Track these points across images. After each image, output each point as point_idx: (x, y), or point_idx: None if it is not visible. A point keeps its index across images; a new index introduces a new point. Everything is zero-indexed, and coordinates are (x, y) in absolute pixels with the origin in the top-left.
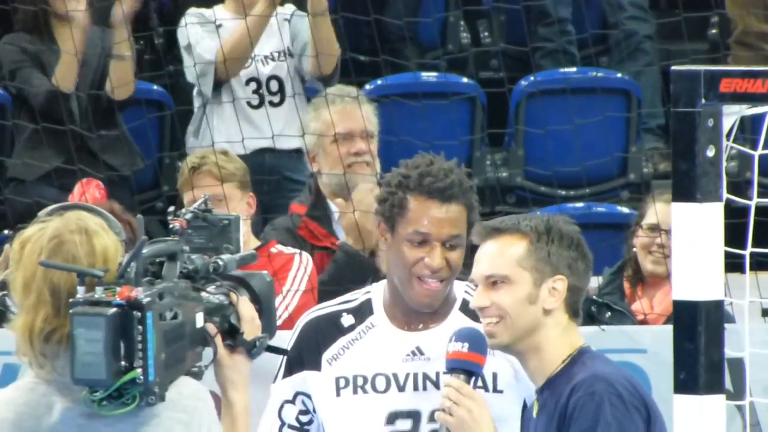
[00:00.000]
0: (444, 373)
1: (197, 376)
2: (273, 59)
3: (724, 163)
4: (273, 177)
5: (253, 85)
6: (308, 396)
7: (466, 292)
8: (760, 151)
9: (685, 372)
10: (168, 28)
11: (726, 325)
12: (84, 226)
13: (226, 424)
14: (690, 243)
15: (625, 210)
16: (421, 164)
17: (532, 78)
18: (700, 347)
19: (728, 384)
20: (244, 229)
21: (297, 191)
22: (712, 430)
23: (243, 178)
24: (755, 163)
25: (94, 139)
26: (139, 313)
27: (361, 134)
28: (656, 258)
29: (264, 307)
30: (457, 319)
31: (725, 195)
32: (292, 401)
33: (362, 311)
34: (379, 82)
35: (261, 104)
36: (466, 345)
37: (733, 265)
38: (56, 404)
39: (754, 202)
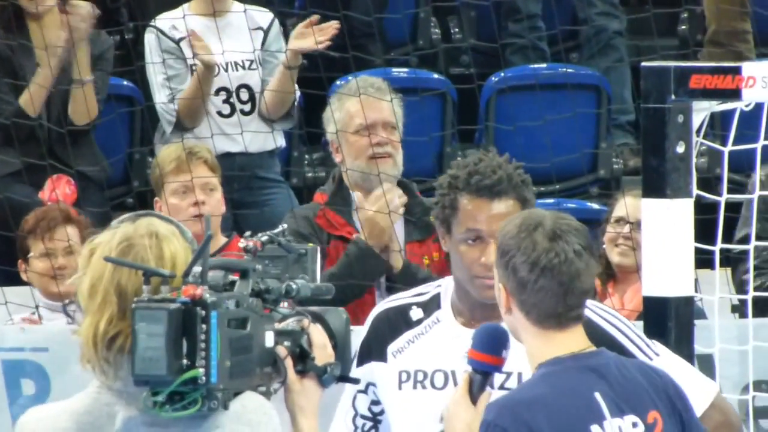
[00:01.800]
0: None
1: (266, 395)
2: (243, 67)
3: (694, 160)
4: (245, 173)
5: (223, 95)
6: (376, 386)
7: None
8: (729, 147)
9: None
10: (138, 24)
11: (696, 321)
12: (155, 230)
13: None
14: (660, 239)
15: (595, 206)
16: (469, 163)
17: (502, 74)
18: (670, 343)
19: None
20: (217, 222)
21: (268, 189)
22: None
23: (221, 174)
24: (725, 160)
25: (62, 146)
26: (203, 311)
27: (384, 125)
28: (623, 250)
29: (339, 343)
30: None
31: (695, 191)
32: (365, 391)
33: (431, 305)
34: (349, 77)
35: (232, 113)
36: (471, 343)
37: (704, 261)
38: (119, 413)
39: (723, 198)
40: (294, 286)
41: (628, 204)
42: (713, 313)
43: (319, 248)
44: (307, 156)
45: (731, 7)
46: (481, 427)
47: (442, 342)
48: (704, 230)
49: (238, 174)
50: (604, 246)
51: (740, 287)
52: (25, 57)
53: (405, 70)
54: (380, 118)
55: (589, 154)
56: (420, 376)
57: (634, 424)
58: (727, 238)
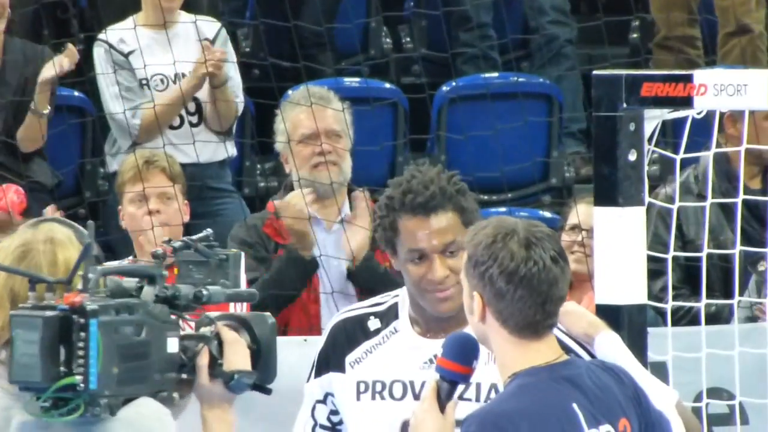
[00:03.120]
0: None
1: (166, 401)
2: (197, 87)
3: (646, 167)
4: (195, 183)
5: None
6: (335, 397)
7: None
8: (681, 155)
9: None
10: (89, 35)
11: (649, 329)
12: (51, 236)
13: None
14: (612, 247)
15: (547, 214)
16: (402, 181)
17: (453, 83)
18: None
19: None
20: (168, 236)
21: (220, 199)
22: None
23: (184, 183)
24: (677, 167)
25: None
26: (82, 319)
27: (327, 133)
28: (578, 257)
29: (263, 349)
30: None
31: (647, 199)
32: (324, 401)
33: (388, 315)
34: (300, 87)
35: (181, 125)
36: (441, 351)
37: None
38: (15, 417)
39: (676, 206)
40: (205, 292)
41: (581, 211)
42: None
43: (243, 254)
44: (259, 165)
45: (680, 13)
46: (479, 429)
47: (400, 352)
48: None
49: (189, 184)
50: None
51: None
52: None
53: (356, 79)
54: (323, 127)
55: (540, 163)
56: (378, 387)
57: None
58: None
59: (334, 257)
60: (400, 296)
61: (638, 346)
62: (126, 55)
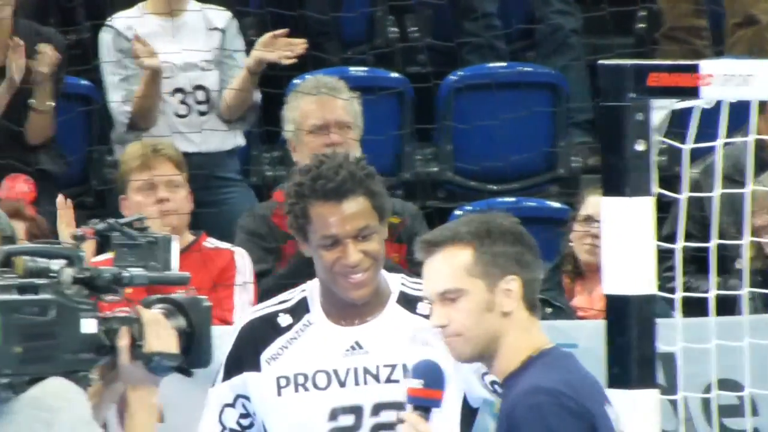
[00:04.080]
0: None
1: (81, 381)
2: (199, 68)
3: (655, 158)
4: (202, 172)
5: (179, 96)
6: (248, 398)
7: (402, 284)
8: (689, 145)
9: (618, 366)
10: (95, 23)
11: (658, 320)
12: None
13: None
14: (620, 237)
15: (555, 204)
16: (311, 167)
17: (459, 73)
18: (631, 341)
19: (661, 379)
20: (177, 223)
21: (227, 188)
22: (645, 425)
23: (187, 171)
24: (685, 157)
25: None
26: None
27: (337, 124)
28: (590, 248)
29: (197, 332)
30: (393, 312)
31: (655, 189)
32: (233, 405)
33: (299, 310)
34: (306, 76)
35: (188, 113)
36: (421, 382)
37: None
38: None
39: (684, 196)
40: (125, 274)
41: (594, 203)
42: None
43: (174, 237)
44: (266, 154)
45: (687, 4)
46: (533, 409)
47: (318, 343)
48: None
49: (196, 173)
50: (571, 244)
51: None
52: None
53: (362, 68)
54: (333, 118)
55: (547, 153)
56: (301, 379)
57: (613, 412)
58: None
59: None
60: (308, 290)
61: (647, 337)
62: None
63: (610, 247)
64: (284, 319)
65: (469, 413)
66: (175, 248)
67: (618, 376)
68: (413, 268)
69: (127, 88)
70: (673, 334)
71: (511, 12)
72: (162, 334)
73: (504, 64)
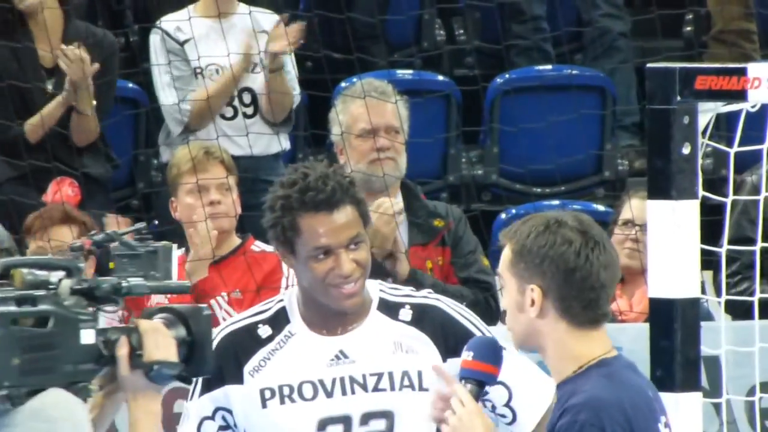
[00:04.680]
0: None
1: (81, 392)
2: (246, 70)
3: (700, 161)
4: (248, 175)
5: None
6: (229, 411)
7: (381, 290)
8: (735, 148)
9: (662, 369)
10: (143, 26)
11: (702, 323)
12: None
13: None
14: (665, 240)
15: (601, 207)
16: (297, 180)
17: (506, 75)
18: (676, 345)
19: (704, 382)
20: (228, 226)
21: None
22: (688, 428)
23: (236, 174)
24: (731, 161)
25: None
26: None
27: (387, 129)
28: (630, 252)
29: (197, 342)
30: (375, 319)
31: (701, 192)
32: (212, 417)
33: (278, 320)
34: (354, 79)
35: (235, 115)
36: (471, 354)
37: (709, 262)
38: None
39: (729, 199)
40: (124, 284)
41: (635, 206)
42: (719, 315)
43: (174, 246)
44: (311, 158)
45: (736, 7)
46: (572, 426)
47: (302, 354)
48: (710, 232)
49: (242, 176)
50: None
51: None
52: (34, 79)
53: (409, 71)
54: (383, 122)
55: (593, 156)
56: (286, 391)
57: (666, 425)
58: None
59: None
60: (285, 300)
61: (691, 340)
62: (182, 44)
63: (655, 250)
64: (264, 330)
65: None
66: (175, 257)
67: (662, 379)
68: (459, 272)
69: (180, 88)
70: (717, 337)
71: (559, 15)
72: (161, 343)
73: (551, 66)
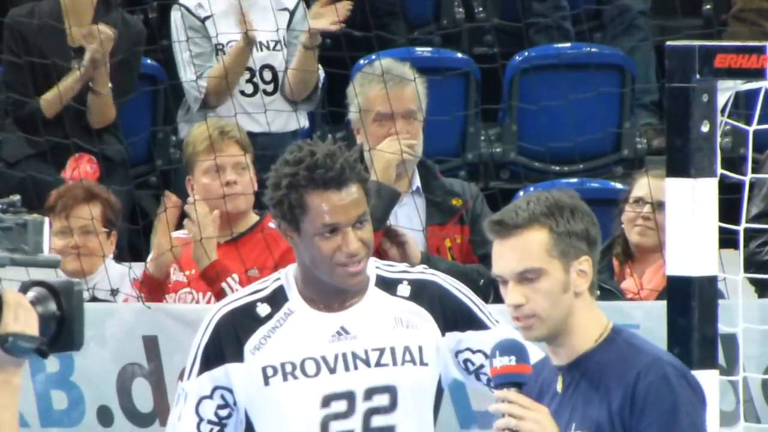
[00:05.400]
0: (492, 388)
1: None
2: (267, 47)
3: (719, 139)
4: (267, 152)
5: (246, 74)
6: (228, 390)
7: (377, 267)
8: (754, 126)
9: (679, 347)
10: (162, 2)
11: (719, 301)
12: None
13: None
14: (684, 218)
15: (619, 186)
16: (304, 158)
17: (526, 53)
18: (693, 323)
19: (721, 359)
20: (245, 206)
21: None
22: None
23: (253, 152)
24: (749, 139)
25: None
26: None
27: (404, 115)
28: (641, 230)
29: (66, 317)
30: (374, 295)
31: (719, 171)
32: (210, 396)
33: (276, 299)
34: (372, 56)
35: (255, 92)
36: (514, 358)
37: (727, 241)
38: None
39: (748, 177)
40: None
41: (646, 184)
42: (736, 293)
43: (46, 219)
44: (329, 135)
45: None
46: (666, 380)
47: (303, 331)
48: (728, 210)
49: (260, 153)
50: (622, 226)
51: (750, 263)
52: (60, 56)
53: (428, 49)
54: (400, 109)
55: (612, 134)
56: (289, 368)
57: None
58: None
59: (405, 228)
60: (282, 279)
61: (708, 318)
62: (203, 20)
63: (673, 228)
64: (263, 309)
65: (440, 394)
66: (47, 230)
67: (679, 357)
68: (477, 250)
69: (200, 64)
70: (734, 315)
71: None
72: (21, 316)
73: (570, 44)
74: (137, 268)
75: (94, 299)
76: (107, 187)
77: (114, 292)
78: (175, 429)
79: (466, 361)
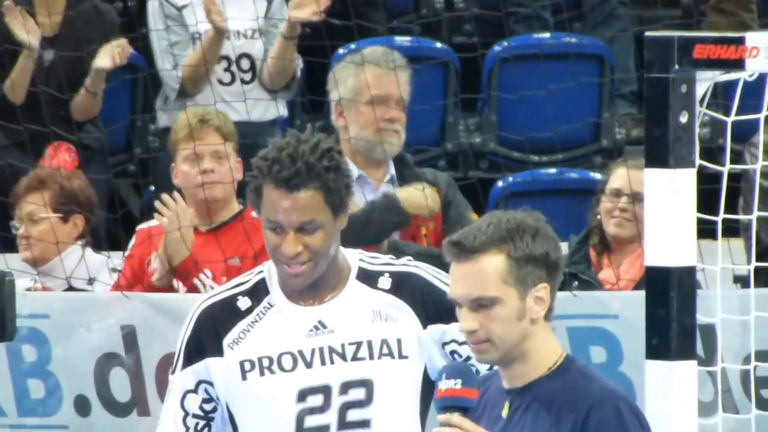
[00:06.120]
0: (438, 412)
1: None
2: (245, 36)
3: (697, 129)
4: (246, 141)
5: (224, 63)
6: (211, 384)
7: (360, 260)
8: (732, 117)
9: (657, 337)
10: None
11: (698, 292)
12: None
13: None
14: (662, 209)
15: (598, 176)
16: (274, 150)
17: (505, 43)
18: (672, 313)
19: (700, 350)
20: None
21: None
22: (683, 396)
23: (237, 141)
24: (728, 130)
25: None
26: None
27: (397, 101)
28: (619, 221)
29: None
30: (354, 288)
31: (698, 161)
32: (194, 390)
33: (258, 292)
34: (352, 46)
35: (233, 81)
36: (459, 381)
37: (706, 231)
38: None
39: (726, 168)
40: None
41: (623, 175)
42: (715, 284)
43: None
44: (309, 124)
45: None
46: (618, 414)
47: (281, 325)
48: (706, 200)
49: (240, 142)
50: (599, 216)
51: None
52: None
53: (407, 38)
54: (395, 94)
55: (591, 124)
56: (266, 362)
57: None
58: (729, 208)
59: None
60: (265, 271)
61: (687, 308)
62: (179, 9)
63: (652, 218)
64: (243, 303)
65: (429, 386)
66: None
67: (657, 347)
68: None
69: (176, 53)
70: (712, 305)
71: None
72: None
73: (550, 34)
74: (115, 257)
75: (70, 288)
76: (88, 177)
77: (91, 281)
78: (165, 422)
79: (453, 352)
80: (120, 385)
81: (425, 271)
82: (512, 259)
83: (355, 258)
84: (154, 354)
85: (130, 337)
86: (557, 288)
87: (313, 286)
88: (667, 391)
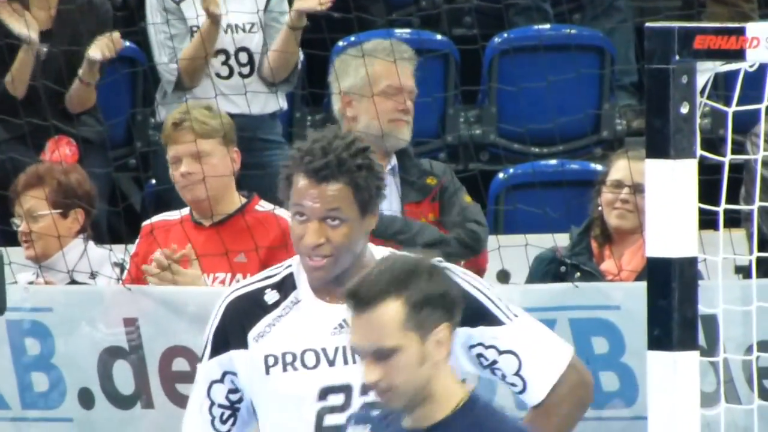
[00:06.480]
0: None
1: None
2: (244, 30)
3: (698, 120)
4: (245, 134)
5: (221, 57)
6: (236, 374)
7: None
8: (733, 108)
9: (659, 328)
10: None
11: (700, 282)
12: None
13: None
14: (664, 200)
15: (598, 167)
16: (308, 141)
17: (505, 35)
18: (673, 304)
19: (702, 340)
20: (218, 185)
21: (270, 150)
22: (685, 387)
23: (227, 133)
24: (729, 120)
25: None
26: None
27: (410, 93)
28: (620, 213)
29: None
30: None
31: (699, 152)
32: (221, 380)
33: (285, 286)
34: (352, 38)
35: (231, 75)
36: (368, 427)
37: (707, 222)
38: None
39: (727, 159)
40: None
41: (624, 166)
42: (717, 274)
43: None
44: (309, 117)
45: None
46: None
47: (306, 321)
48: (708, 191)
49: (239, 135)
50: (600, 208)
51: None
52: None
53: (407, 30)
54: (409, 86)
55: (592, 115)
56: (289, 358)
57: None
58: (731, 198)
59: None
60: (294, 266)
61: (689, 299)
62: (178, 2)
63: (653, 209)
64: (271, 296)
65: None
66: None
67: (659, 338)
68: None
69: (174, 46)
70: (714, 296)
71: None
72: None
73: (550, 26)
74: (117, 251)
75: (73, 282)
76: (88, 171)
77: (93, 275)
78: (191, 411)
79: (479, 356)
80: (123, 377)
81: (454, 273)
82: (409, 305)
83: (383, 255)
84: (157, 347)
85: (132, 329)
86: (458, 324)
87: (338, 283)
88: (670, 381)
